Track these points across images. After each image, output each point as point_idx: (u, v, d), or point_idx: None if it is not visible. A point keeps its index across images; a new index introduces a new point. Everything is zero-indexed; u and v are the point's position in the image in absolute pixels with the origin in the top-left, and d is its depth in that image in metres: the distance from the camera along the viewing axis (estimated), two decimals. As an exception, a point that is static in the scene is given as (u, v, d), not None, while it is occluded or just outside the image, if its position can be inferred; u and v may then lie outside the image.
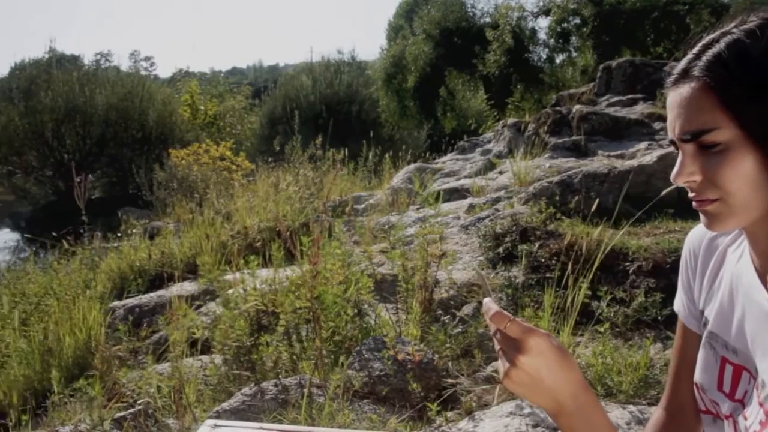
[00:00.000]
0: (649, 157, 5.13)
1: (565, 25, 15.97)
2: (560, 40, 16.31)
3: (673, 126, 0.79)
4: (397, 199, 6.44)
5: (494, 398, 2.55)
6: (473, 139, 9.27)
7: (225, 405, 2.51)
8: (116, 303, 4.43)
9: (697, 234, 0.99)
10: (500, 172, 6.63)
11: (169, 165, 8.86)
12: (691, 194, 0.80)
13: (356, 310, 3.09)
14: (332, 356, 2.88)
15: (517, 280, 3.57)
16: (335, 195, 7.51)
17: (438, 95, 18.08)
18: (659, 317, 3.15)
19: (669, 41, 14.35)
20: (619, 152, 5.88)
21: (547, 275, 3.43)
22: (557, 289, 3.08)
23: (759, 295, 0.81)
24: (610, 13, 14.74)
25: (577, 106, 7.15)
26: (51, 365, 3.37)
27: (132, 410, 2.61)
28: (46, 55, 19.29)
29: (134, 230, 6.25)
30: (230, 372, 2.91)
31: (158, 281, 4.92)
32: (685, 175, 0.78)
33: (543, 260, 3.67)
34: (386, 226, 5.16)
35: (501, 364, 0.79)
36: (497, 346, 0.80)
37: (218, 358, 3.03)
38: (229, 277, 3.77)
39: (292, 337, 2.96)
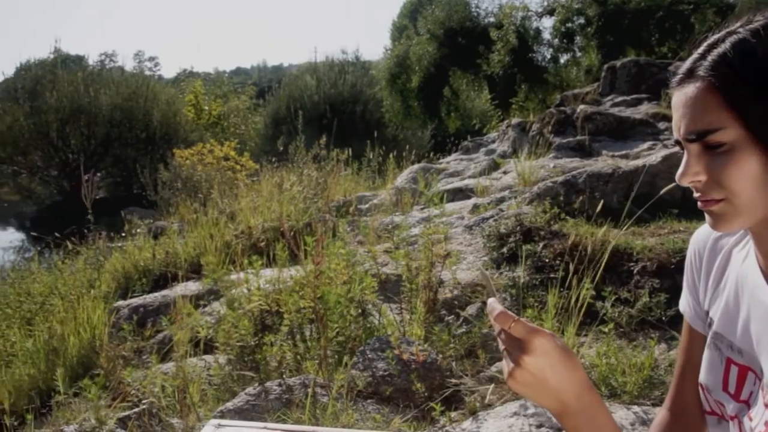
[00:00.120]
0: (654, 157, 5.12)
1: (569, 24, 15.94)
2: (564, 40, 16.28)
3: (678, 126, 0.78)
4: (401, 199, 6.43)
5: (498, 398, 2.54)
6: (477, 139, 9.26)
7: (229, 405, 2.51)
8: (120, 303, 4.44)
9: (701, 234, 0.99)
10: (504, 172, 6.63)
11: (174, 165, 8.87)
12: (696, 194, 0.79)
13: (360, 310, 3.09)
14: (336, 356, 2.88)
15: (521, 281, 3.57)
16: (339, 195, 7.52)
17: (442, 95, 18.06)
18: (664, 317, 3.15)
19: (674, 41, 14.30)
20: (623, 152, 5.87)
21: (551, 275, 3.43)
22: (561, 289, 3.07)
23: (764, 295, 0.81)
24: (614, 12, 14.70)
25: (582, 106, 7.14)
26: (56, 364, 3.38)
27: (136, 410, 2.61)
28: (51, 56, 19.35)
29: (138, 230, 6.26)
30: (234, 372, 2.91)
31: (162, 281, 4.93)
32: (690, 175, 0.78)
33: (547, 260, 3.67)
34: (390, 226, 5.16)
35: (505, 365, 0.79)
36: (501, 347, 0.80)
37: (222, 358, 3.03)
38: (233, 277, 3.77)
39: (296, 337, 2.96)
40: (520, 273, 3.65)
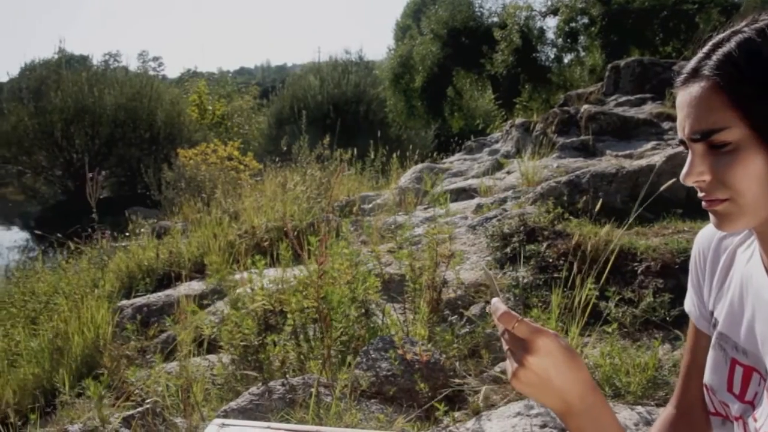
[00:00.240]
0: (658, 157, 5.11)
1: (573, 24, 15.92)
2: (568, 40, 16.25)
3: (682, 125, 0.78)
4: (405, 199, 6.43)
5: (501, 398, 2.54)
6: (481, 139, 9.25)
7: (233, 404, 2.51)
8: (124, 302, 4.45)
9: (706, 234, 0.98)
10: (508, 172, 6.62)
11: (178, 165, 8.88)
12: (700, 194, 0.79)
13: (363, 310, 3.09)
14: (339, 356, 2.88)
15: (525, 280, 3.57)
16: (342, 195, 7.52)
17: (445, 95, 18.05)
18: (668, 318, 3.14)
19: (678, 40, 14.26)
20: (627, 152, 5.86)
21: (555, 275, 3.42)
22: (565, 289, 3.07)
23: (769, 295, 0.81)
24: (618, 12, 14.67)
25: (585, 106, 7.13)
26: (60, 364, 3.39)
27: (140, 409, 2.61)
28: (56, 56, 19.38)
29: (142, 230, 6.27)
30: (238, 371, 2.92)
31: (166, 280, 4.94)
32: (694, 174, 0.77)
33: (551, 260, 3.66)
34: (393, 226, 5.16)
35: (509, 365, 0.79)
36: (505, 347, 0.80)
37: (226, 358, 3.04)
38: (236, 276, 3.78)
39: (300, 337, 2.96)
40: (524, 273, 3.64)
